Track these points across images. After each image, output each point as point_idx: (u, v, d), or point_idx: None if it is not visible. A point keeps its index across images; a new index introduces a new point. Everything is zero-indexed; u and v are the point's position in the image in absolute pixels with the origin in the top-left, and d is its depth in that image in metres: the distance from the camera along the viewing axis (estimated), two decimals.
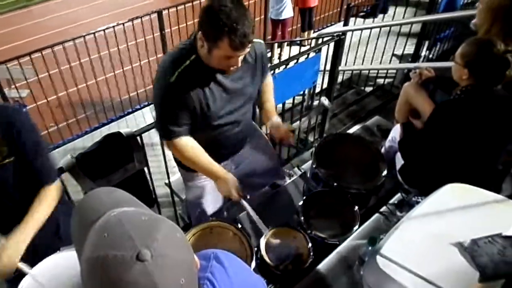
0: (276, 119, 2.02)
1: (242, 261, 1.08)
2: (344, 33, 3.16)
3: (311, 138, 3.86)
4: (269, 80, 2.08)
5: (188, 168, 2.03)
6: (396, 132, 2.40)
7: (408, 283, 1.29)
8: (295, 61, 2.86)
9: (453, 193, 1.59)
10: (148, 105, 5.45)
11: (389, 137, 2.49)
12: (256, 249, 1.80)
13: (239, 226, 1.86)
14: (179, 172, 2.22)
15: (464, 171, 1.84)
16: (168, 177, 3.09)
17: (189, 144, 1.80)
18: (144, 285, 0.65)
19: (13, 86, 4.91)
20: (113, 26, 4.84)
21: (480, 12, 2.10)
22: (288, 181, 2.26)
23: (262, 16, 6.43)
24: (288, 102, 3.97)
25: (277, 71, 2.74)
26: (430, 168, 1.98)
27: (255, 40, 1.76)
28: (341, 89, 4.88)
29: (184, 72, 1.63)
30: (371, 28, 4.69)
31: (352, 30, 4.01)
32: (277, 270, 1.77)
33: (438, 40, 4.85)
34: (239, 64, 1.60)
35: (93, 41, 4.77)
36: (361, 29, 4.87)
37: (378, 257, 1.38)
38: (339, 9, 7.24)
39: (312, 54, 2.86)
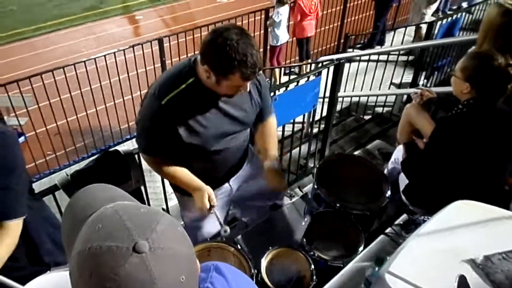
0: (274, 163, 1.94)
1: (245, 274, 1.02)
2: (343, 59, 3.18)
3: (311, 164, 3.81)
4: (272, 120, 2.01)
5: (183, 191, 1.98)
6: (398, 153, 2.37)
7: None
8: (295, 83, 2.86)
9: (462, 210, 1.53)
10: None
11: (392, 159, 2.45)
12: (256, 271, 1.72)
13: (239, 247, 1.78)
14: (175, 196, 2.15)
15: (470, 188, 1.79)
16: (166, 202, 3.02)
17: (167, 159, 1.76)
18: (141, 280, 0.59)
19: (12, 114, 4.91)
20: (114, 52, 4.89)
21: (480, 31, 2.11)
22: (288, 202, 2.19)
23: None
24: (288, 130, 3.97)
25: (277, 93, 2.73)
26: (435, 186, 1.93)
27: None
28: (340, 117, 4.88)
29: (178, 97, 1.57)
30: (369, 54, 4.75)
31: (351, 57, 4.04)
32: None
33: (435, 69, 4.90)
34: (248, 89, 1.59)
35: (94, 71, 4.81)
36: (360, 56, 4.93)
37: (387, 275, 1.31)
38: (336, 43, 7.36)
39: (312, 77, 2.86)
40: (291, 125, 3.67)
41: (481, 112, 1.78)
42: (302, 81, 2.92)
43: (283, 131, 3.74)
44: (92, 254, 0.60)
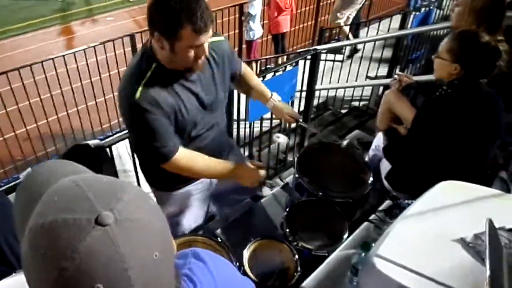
0: (276, 98, 1.96)
1: (226, 260, 0.94)
2: (319, 49, 3.14)
3: (290, 158, 3.76)
4: (246, 69, 1.95)
5: (160, 186, 1.89)
6: (379, 140, 2.33)
7: (411, 284, 1.16)
8: (272, 74, 2.80)
9: (448, 190, 1.49)
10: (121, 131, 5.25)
11: (372, 146, 2.41)
12: (238, 264, 1.64)
13: (219, 240, 1.70)
14: (152, 194, 2.04)
15: (454, 170, 1.76)
16: None
17: (187, 155, 1.64)
18: (106, 257, 0.50)
19: None
20: (84, 50, 4.75)
21: (459, 15, 2.08)
22: (269, 192, 2.12)
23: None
24: (266, 125, 3.91)
25: None
26: (419, 170, 1.89)
27: (216, 38, 1.66)
28: (317, 111, 4.85)
29: (148, 85, 1.47)
30: (345, 45, 4.72)
31: (326, 49, 4.00)
32: (264, 287, 1.61)
33: (409, 62, 4.94)
34: (207, 53, 1.46)
35: (64, 73, 4.62)
36: (335, 48, 4.90)
37: (375, 258, 1.25)
38: (311, 41, 7.35)
39: (289, 68, 2.81)
40: (269, 120, 3.61)
41: (467, 92, 1.75)
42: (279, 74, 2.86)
43: (261, 125, 3.68)
44: (46, 230, 0.51)
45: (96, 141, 1.98)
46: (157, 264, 0.55)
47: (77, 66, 4.73)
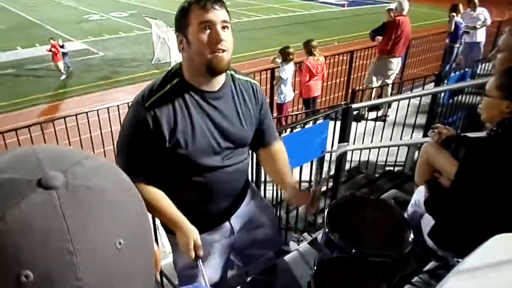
0: (293, 192, 1.72)
1: None
2: (351, 104, 3.05)
3: (319, 221, 3.52)
4: (279, 146, 1.81)
5: None
6: (419, 195, 2.12)
7: None
8: (301, 126, 2.70)
9: (506, 244, 1.27)
10: None
11: (412, 201, 2.20)
12: None
13: None
14: (167, 239, 1.87)
15: (508, 224, 1.52)
16: None
17: (151, 186, 1.52)
18: (44, 230, 0.35)
19: None
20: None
21: (504, 60, 1.95)
22: (295, 247, 1.91)
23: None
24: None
25: (283, 134, 2.56)
26: (467, 224, 1.66)
27: (247, 78, 1.64)
28: (349, 174, 4.66)
29: (162, 98, 1.43)
30: (377, 104, 4.60)
31: (360, 108, 3.89)
32: None
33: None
34: (221, 36, 1.37)
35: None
36: (367, 106, 4.79)
37: None
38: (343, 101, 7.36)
39: (320, 121, 2.71)
40: (297, 183, 3.45)
41: None
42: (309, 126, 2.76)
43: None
44: None
45: None
46: (119, 256, 0.39)
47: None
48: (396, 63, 6.35)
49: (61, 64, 11.00)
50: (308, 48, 6.02)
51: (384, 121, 5.62)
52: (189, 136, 1.46)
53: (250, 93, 1.63)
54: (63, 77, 11.05)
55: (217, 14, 1.37)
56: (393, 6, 6.41)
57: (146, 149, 1.45)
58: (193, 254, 1.49)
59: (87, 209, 0.38)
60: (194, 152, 1.49)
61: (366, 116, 5.25)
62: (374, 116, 5.89)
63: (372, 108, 6.95)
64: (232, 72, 1.60)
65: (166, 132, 1.42)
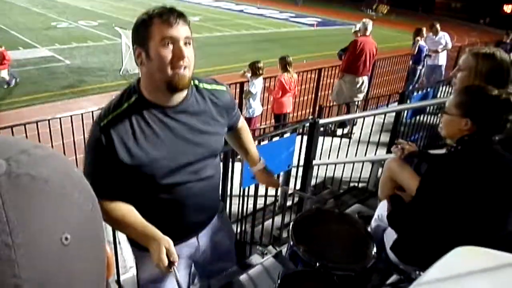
0: (263, 163, 1.99)
1: None
2: (317, 118, 3.09)
3: (285, 235, 3.52)
4: (244, 124, 1.91)
5: (142, 247, 1.67)
6: (382, 209, 2.15)
7: None
8: (268, 139, 2.71)
9: (466, 256, 1.30)
10: None
11: (375, 216, 2.23)
12: None
13: None
14: (130, 253, 1.82)
15: (468, 239, 1.56)
16: (118, 276, 2.64)
17: (119, 203, 1.48)
18: None
19: None
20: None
21: (464, 78, 2.01)
22: (260, 261, 1.89)
23: None
24: (260, 202, 3.71)
25: None
26: (429, 238, 1.69)
27: (218, 86, 1.62)
28: (315, 189, 4.70)
29: (119, 117, 1.39)
30: (344, 120, 4.72)
31: (326, 124, 3.96)
32: None
33: None
34: (184, 53, 1.35)
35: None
36: (334, 122, 4.88)
37: None
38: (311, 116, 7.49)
39: (287, 134, 2.72)
40: (263, 197, 3.44)
41: (479, 149, 1.62)
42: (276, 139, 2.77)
43: (255, 203, 3.45)
44: None
45: None
46: (65, 252, 0.36)
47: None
48: (359, 82, 6.50)
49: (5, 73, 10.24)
50: (283, 64, 6.08)
51: (350, 138, 5.75)
52: (151, 154, 1.42)
53: (216, 100, 1.60)
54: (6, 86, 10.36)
55: (180, 30, 1.35)
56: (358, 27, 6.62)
57: (106, 169, 1.41)
58: (166, 262, 1.43)
59: (30, 199, 0.35)
60: (160, 169, 1.45)
61: (335, 132, 5.33)
62: (340, 133, 6.03)
63: (339, 125, 7.13)
64: (196, 82, 1.57)
65: (122, 152, 1.39)
